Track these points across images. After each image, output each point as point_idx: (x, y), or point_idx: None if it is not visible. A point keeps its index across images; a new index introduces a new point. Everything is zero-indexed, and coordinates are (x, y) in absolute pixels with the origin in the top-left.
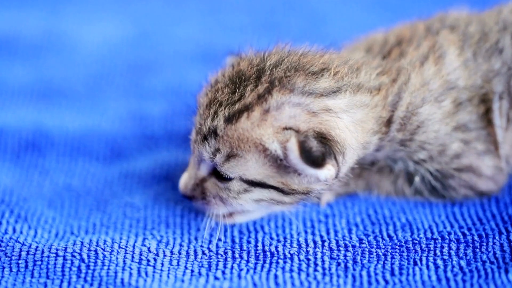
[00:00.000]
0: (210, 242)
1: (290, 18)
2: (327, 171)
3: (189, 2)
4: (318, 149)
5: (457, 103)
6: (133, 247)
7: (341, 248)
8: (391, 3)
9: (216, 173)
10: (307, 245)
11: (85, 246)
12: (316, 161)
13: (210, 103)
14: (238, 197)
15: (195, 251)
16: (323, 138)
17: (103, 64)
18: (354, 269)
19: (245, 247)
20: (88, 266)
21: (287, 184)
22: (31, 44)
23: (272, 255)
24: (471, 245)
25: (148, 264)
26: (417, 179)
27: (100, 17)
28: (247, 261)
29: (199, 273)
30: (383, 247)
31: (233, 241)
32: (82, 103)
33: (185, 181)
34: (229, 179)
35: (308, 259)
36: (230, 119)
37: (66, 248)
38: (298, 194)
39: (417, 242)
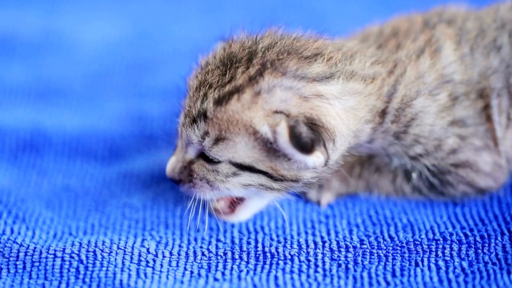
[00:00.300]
0: (209, 243)
1: (290, 16)
2: (316, 158)
3: (189, 0)
4: (308, 135)
5: (453, 97)
6: (132, 248)
7: (342, 249)
8: (392, 0)
9: (204, 156)
10: (307, 246)
11: (83, 247)
12: (305, 147)
13: (200, 85)
14: (226, 180)
15: (195, 252)
16: (313, 124)
17: (101, 63)
18: (355, 270)
19: (245, 248)
20: (86, 267)
21: (276, 169)
22: (29, 43)
23: (272, 256)
24: (473, 246)
25: (147, 265)
26: (414, 175)
27: (99, 16)
28: (247, 262)
29: (199, 274)
30: (384, 248)
31: (232, 242)
32: (81, 103)
33: (172, 164)
34: (218, 162)
35: (309, 260)
36: (220, 101)
37: (64, 249)
38: (287, 181)
39: (418, 243)
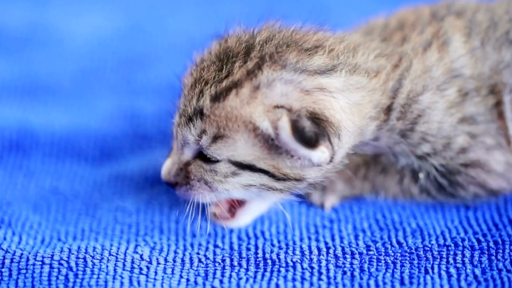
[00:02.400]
0: (207, 249)
1: (291, 9)
2: (321, 153)
3: None
4: (311, 129)
5: (463, 93)
6: (125, 254)
7: (347, 256)
8: None
9: (201, 156)
10: (310, 252)
11: (73, 254)
12: (309, 141)
13: (195, 83)
14: (225, 181)
15: (191, 259)
16: (316, 118)
17: (92, 59)
18: (361, 278)
19: (244, 255)
20: (76, 275)
21: (278, 167)
22: (15, 37)
23: (273, 263)
24: (486, 252)
25: (140, 273)
26: (421, 175)
27: (89, 8)
28: (247, 270)
29: (195, 282)
30: (392, 254)
31: (231, 247)
32: (70, 100)
33: (167, 167)
34: (216, 161)
35: (312, 267)
36: (217, 97)
37: (52, 255)
38: (290, 181)
39: (428, 249)
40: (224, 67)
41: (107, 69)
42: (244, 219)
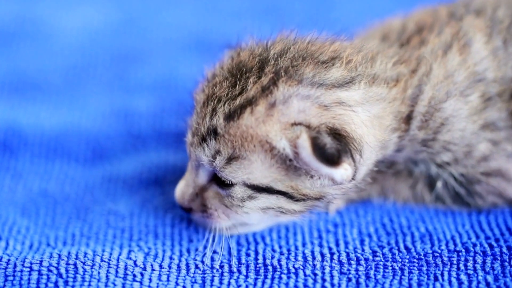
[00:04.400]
0: (204, 254)
1: (294, 1)
2: (344, 171)
3: None
4: (333, 146)
5: (486, 98)
6: (117, 260)
7: (352, 262)
8: None
9: (217, 179)
10: (313, 258)
11: (63, 260)
12: (331, 159)
13: (208, 100)
14: (243, 205)
15: (187, 265)
16: (337, 134)
17: (83, 54)
18: (367, 285)
19: (243, 261)
20: (66, 282)
21: (297, 188)
22: (1, 31)
23: (275, 269)
24: (499, 258)
25: (134, 280)
26: (439, 184)
27: (80, 0)
28: (246, 276)
29: None
30: (400, 260)
31: (230, 253)
32: (60, 98)
33: (182, 189)
34: (231, 185)
35: (315, 274)
36: (232, 116)
37: (41, 261)
38: (310, 200)
39: (438, 254)
40: (238, 83)
41: (99, 65)
42: (242, 230)
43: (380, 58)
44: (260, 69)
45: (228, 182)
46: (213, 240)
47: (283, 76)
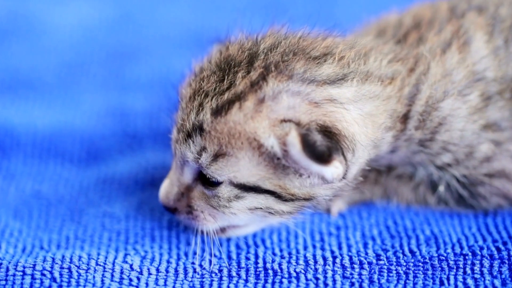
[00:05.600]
0: (202, 258)
1: (291, 3)
2: (334, 169)
3: None
4: (323, 143)
5: (486, 97)
6: (113, 264)
7: (355, 266)
8: None
9: (203, 179)
10: (315, 262)
11: (56, 263)
12: (321, 157)
13: (194, 95)
14: (229, 206)
15: (185, 269)
16: (328, 131)
17: (77, 51)
18: None
19: (243, 264)
20: (60, 287)
21: (285, 188)
22: None
23: (275, 273)
24: (506, 262)
25: (130, 284)
26: (441, 188)
27: None
28: (246, 281)
29: None
30: (404, 264)
31: (229, 257)
32: (53, 97)
33: (166, 188)
34: (217, 184)
35: (317, 278)
36: (219, 111)
37: (34, 265)
38: (299, 201)
39: (443, 258)
40: (226, 77)
41: (94, 62)
42: (234, 233)
43: (374, 55)
44: (249, 63)
45: (214, 180)
46: (202, 243)
47: (273, 71)
